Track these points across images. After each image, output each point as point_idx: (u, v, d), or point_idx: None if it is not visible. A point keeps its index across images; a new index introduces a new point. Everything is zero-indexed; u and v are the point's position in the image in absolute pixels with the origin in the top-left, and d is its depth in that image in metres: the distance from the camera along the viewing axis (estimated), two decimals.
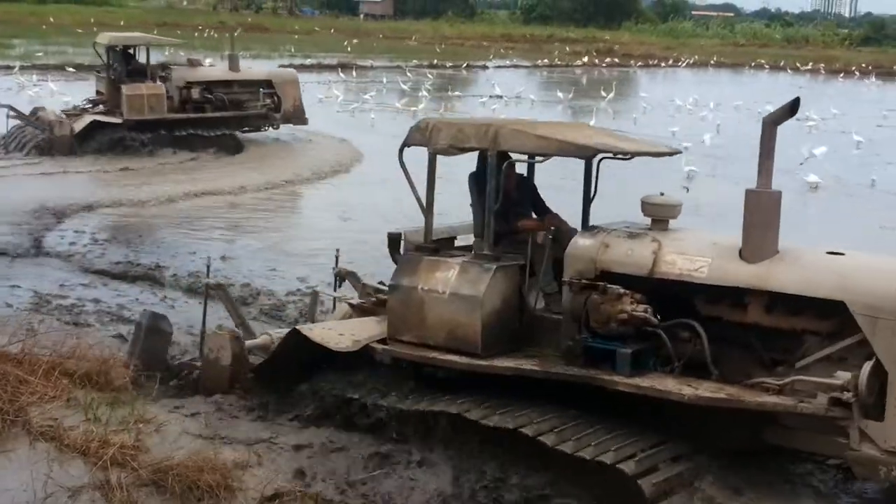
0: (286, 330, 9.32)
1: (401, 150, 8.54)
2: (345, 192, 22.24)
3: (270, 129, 27.23)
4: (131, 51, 26.50)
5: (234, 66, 27.28)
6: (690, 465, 7.08)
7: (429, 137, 8.34)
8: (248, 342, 9.38)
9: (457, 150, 8.31)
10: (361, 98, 37.51)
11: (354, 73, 50.81)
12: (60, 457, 6.83)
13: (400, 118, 35.13)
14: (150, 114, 24.85)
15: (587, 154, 8.06)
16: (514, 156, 8.44)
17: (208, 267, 10.09)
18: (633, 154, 8.44)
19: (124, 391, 8.56)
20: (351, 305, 9.57)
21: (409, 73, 50.16)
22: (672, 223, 7.97)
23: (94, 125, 24.70)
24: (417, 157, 8.65)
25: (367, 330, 8.62)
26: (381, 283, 9.96)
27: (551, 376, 7.55)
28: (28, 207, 17.95)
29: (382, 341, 8.42)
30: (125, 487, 6.50)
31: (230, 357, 8.88)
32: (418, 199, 8.48)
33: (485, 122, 8.37)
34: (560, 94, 42.13)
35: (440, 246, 8.59)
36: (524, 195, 8.85)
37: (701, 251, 7.46)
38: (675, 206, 7.92)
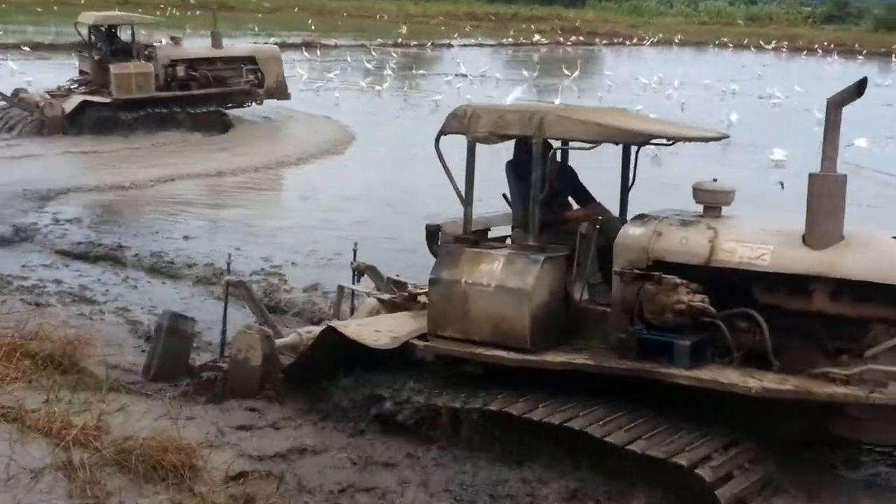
0: (315, 328, 9.03)
1: (437, 139, 8.15)
2: (328, 174, 22.19)
3: (254, 104, 27.41)
4: (114, 30, 26.55)
5: (216, 43, 27.38)
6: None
7: (467, 125, 7.97)
8: (277, 341, 8.91)
9: (498, 137, 7.95)
10: (325, 77, 37.33)
11: (318, 51, 50.54)
12: (22, 438, 6.74)
13: (364, 97, 35.04)
14: (139, 92, 24.99)
15: (640, 140, 7.74)
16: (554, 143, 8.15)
17: (228, 264, 9.71)
18: (684, 140, 8.17)
19: (89, 374, 8.49)
20: (381, 301, 9.22)
21: (373, 52, 49.97)
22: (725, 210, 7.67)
23: (84, 105, 24.79)
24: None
25: (403, 326, 8.30)
26: (397, 276, 9.74)
27: (606, 370, 7.25)
28: None
29: (421, 337, 8.10)
30: (88, 468, 6.44)
31: (260, 357, 8.41)
32: (457, 190, 8.06)
33: (528, 109, 8.06)
34: (525, 73, 42.14)
35: (478, 238, 8.26)
36: (564, 184, 8.54)
37: (761, 238, 7.21)
38: (729, 193, 7.62)
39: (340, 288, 9.99)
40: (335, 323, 8.54)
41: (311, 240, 15.38)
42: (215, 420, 7.99)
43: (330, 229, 16.36)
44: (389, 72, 40.04)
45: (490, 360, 7.71)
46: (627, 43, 70.55)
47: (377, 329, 8.19)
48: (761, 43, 66.82)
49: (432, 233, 8.58)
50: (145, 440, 6.87)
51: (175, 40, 27.50)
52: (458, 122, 8.04)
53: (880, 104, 36.50)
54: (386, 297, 9.24)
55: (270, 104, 28.16)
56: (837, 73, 49.84)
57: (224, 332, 9.17)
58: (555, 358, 7.47)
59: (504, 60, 54.64)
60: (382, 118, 29.84)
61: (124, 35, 26.48)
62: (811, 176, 7.14)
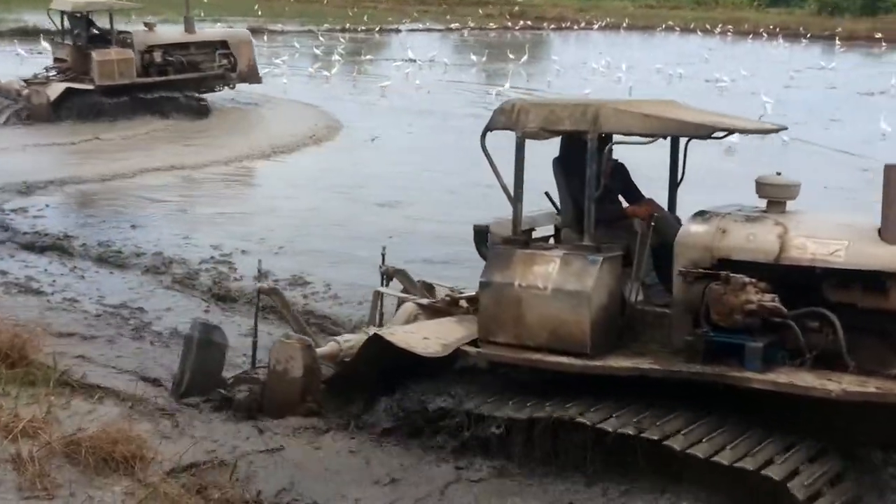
0: (354, 336, 8.70)
1: (483, 135, 7.83)
2: (288, 162, 22.02)
3: (227, 88, 27.90)
4: (90, 16, 26.63)
5: (189, 28, 27.79)
6: None
7: (516, 120, 7.66)
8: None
9: (548, 133, 7.66)
10: (273, 62, 37.05)
11: (265, 37, 50.09)
12: None
13: (313, 83, 34.85)
14: (121, 79, 25.34)
15: (704, 133, 7.40)
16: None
17: (259, 271, 9.36)
18: (744, 132, 7.96)
19: (38, 366, 8.37)
20: (421, 306, 8.82)
21: (321, 38, 49.74)
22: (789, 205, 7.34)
23: (68, 92, 24.87)
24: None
25: (451, 332, 7.94)
26: (420, 281, 9.41)
27: (676, 376, 6.92)
28: None
29: (471, 343, 7.79)
30: (37, 461, 6.38)
31: (301, 368, 7.97)
32: (504, 188, 7.74)
33: (581, 102, 7.72)
34: (473, 58, 42.17)
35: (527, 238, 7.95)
36: (616, 181, 8.10)
37: (834, 234, 6.89)
38: (794, 187, 7.30)
39: (377, 293, 9.46)
40: (381, 331, 8.18)
41: (262, 227, 15.30)
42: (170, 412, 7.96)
43: (279, 217, 16.29)
44: (338, 57, 39.82)
45: (551, 367, 7.38)
46: (575, 27, 70.70)
47: (425, 336, 7.85)
48: (707, 27, 67.21)
49: (481, 234, 8.22)
50: (95, 432, 6.82)
51: (149, 26, 27.66)
52: (506, 118, 7.74)
53: (825, 87, 36.97)
54: (426, 301, 8.89)
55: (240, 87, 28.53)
56: (783, 56, 50.35)
57: (255, 343, 8.77)
58: (618, 363, 7.18)
59: (452, 45, 54.59)
60: (332, 105, 29.68)
61: (99, 21, 26.61)
62: (888, 167, 6.81)
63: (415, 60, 40.89)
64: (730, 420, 6.89)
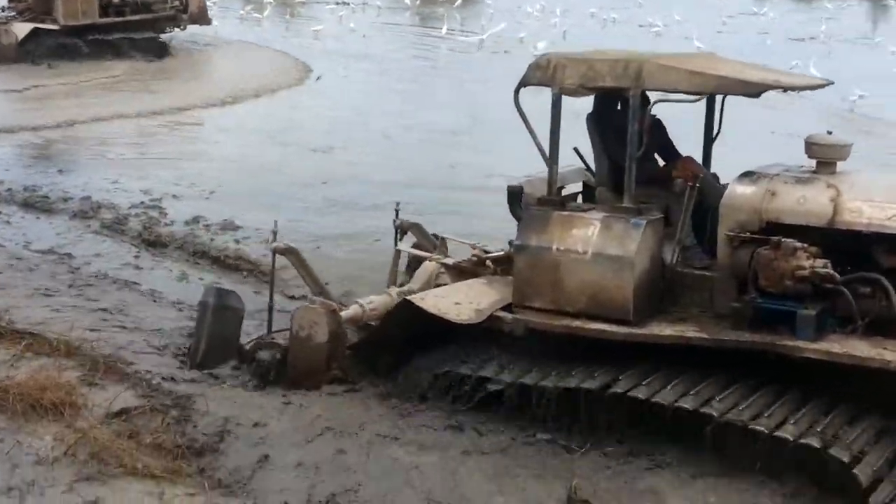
0: (377, 298, 8.19)
1: (516, 91, 7.49)
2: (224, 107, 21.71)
3: (177, 30, 28.22)
4: None
5: None
6: None
7: (552, 76, 7.31)
8: None
9: (587, 90, 7.36)
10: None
11: None
12: None
13: (244, 25, 34.40)
14: (84, 18, 25.47)
15: (755, 91, 7.05)
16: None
17: (274, 232, 8.92)
18: (794, 89, 7.69)
19: None
20: (446, 266, 8.38)
21: None
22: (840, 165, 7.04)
23: (33, 33, 24.75)
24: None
25: (483, 296, 7.57)
26: (434, 235, 9.05)
27: (725, 345, 6.65)
28: None
29: (505, 308, 7.41)
30: None
31: (326, 334, 7.61)
32: (539, 147, 7.41)
33: (622, 58, 7.29)
34: (407, 1, 41.82)
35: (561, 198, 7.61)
36: (653, 138, 7.58)
37: (890, 197, 6.65)
38: (846, 147, 7.04)
39: (398, 252, 9.05)
40: (411, 296, 7.74)
41: (194, 172, 15.10)
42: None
43: (211, 161, 16.10)
44: (269, 0, 39.28)
45: (593, 335, 7.07)
46: None
47: (456, 301, 7.47)
48: None
49: (515, 194, 7.83)
50: (23, 379, 6.73)
51: None
52: (542, 73, 7.38)
53: (756, 32, 37.28)
54: (450, 261, 8.44)
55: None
56: (715, 1, 50.56)
57: (271, 308, 8.36)
58: (662, 330, 6.92)
59: None
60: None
61: None
62: None
63: (348, 3, 40.53)
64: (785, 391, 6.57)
